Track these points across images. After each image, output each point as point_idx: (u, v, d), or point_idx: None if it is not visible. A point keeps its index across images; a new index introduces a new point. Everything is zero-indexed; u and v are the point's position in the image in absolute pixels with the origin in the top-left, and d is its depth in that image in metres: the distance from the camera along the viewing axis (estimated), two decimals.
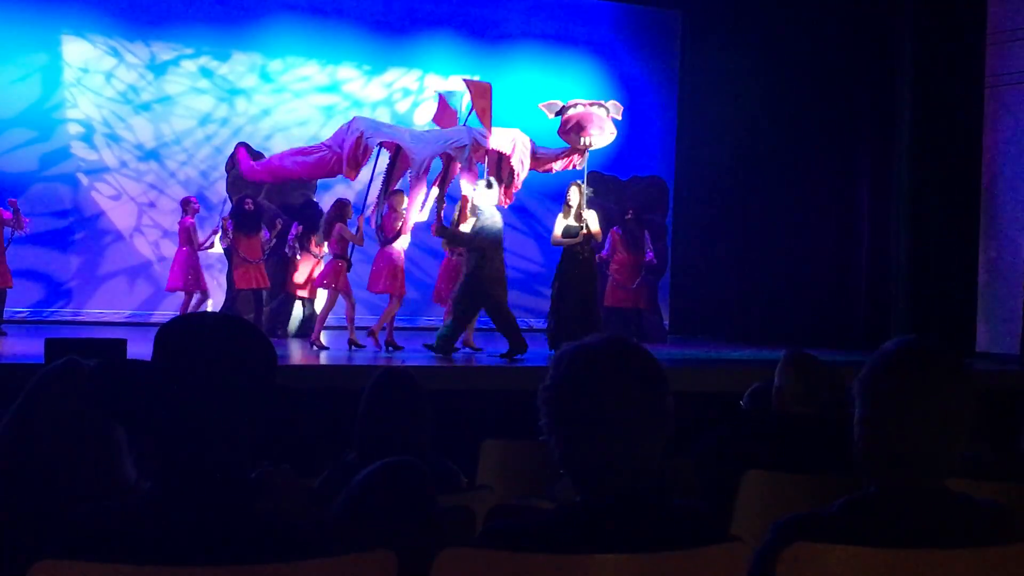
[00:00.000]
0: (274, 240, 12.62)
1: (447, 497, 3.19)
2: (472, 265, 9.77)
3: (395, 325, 10.94)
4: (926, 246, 12.23)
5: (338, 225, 10.65)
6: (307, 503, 2.86)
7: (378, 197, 10.99)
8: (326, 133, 15.05)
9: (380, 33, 15.28)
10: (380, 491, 2.77)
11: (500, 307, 9.85)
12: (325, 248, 11.92)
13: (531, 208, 15.19)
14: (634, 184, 14.62)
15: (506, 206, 10.89)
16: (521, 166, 10.78)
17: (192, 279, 12.05)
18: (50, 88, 13.95)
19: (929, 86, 12.27)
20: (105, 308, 13.95)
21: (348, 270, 10.57)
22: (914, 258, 12.32)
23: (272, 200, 13.17)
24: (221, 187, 13.54)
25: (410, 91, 15.70)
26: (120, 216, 14.21)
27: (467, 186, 10.43)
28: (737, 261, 14.84)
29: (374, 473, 2.83)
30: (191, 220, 12.09)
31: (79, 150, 14.07)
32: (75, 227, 13.98)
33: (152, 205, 14.37)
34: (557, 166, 11.03)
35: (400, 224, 10.64)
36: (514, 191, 10.96)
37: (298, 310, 12.85)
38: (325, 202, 13.80)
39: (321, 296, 11.54)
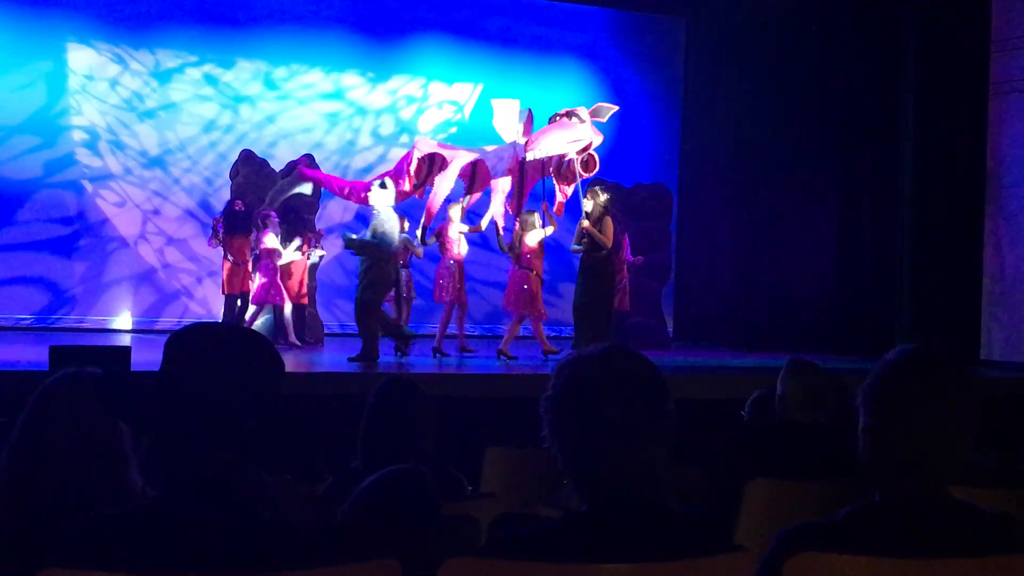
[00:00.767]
0: (308, 249, 12.33)
1: (451, 505, 3.19)
2: (362, 267, 9.82)
3: (446, 333, 11.01)
4: (930, 253, 12.21)
5: (402, 237, 10.79)
6: (310, 512, 2.86)
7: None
8: (330, 140, 15.14)
9: (384, 40, 15.31)
10: (384, 498, 2.78)
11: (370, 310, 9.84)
12: (317, 253, 12.03)
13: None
14: (638, 191, 14.62)
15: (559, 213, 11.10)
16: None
17: (274, 294, 11.73)
18: (55, 95, 13.99)
19: (933, 93, 12.26)
20: (109, 315, 13.97)
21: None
22: (918, 265, 12.31)
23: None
24: (225, 194, 13.57)
25: (414, 98, 15.72)
26: (124, 223, 14.23)
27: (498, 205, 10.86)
28: (741, 268, 14.83)
29: (378, 481, 2.83)
30: (269, 233, 11.66)
31: (83, 157, 14.10)
32: (79, 234, 14.00)
33: (156, 212, 14.39)
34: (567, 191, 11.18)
35: (522, 244, 10.70)
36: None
37: (270, 316, 12.13)
38: (329, 209, 13.87)
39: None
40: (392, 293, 11.03)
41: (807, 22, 13.74)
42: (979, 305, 12.21)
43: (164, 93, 14.51)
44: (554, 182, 11.06)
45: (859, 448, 2.36)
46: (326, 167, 13.43)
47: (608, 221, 10.51)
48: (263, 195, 12.55)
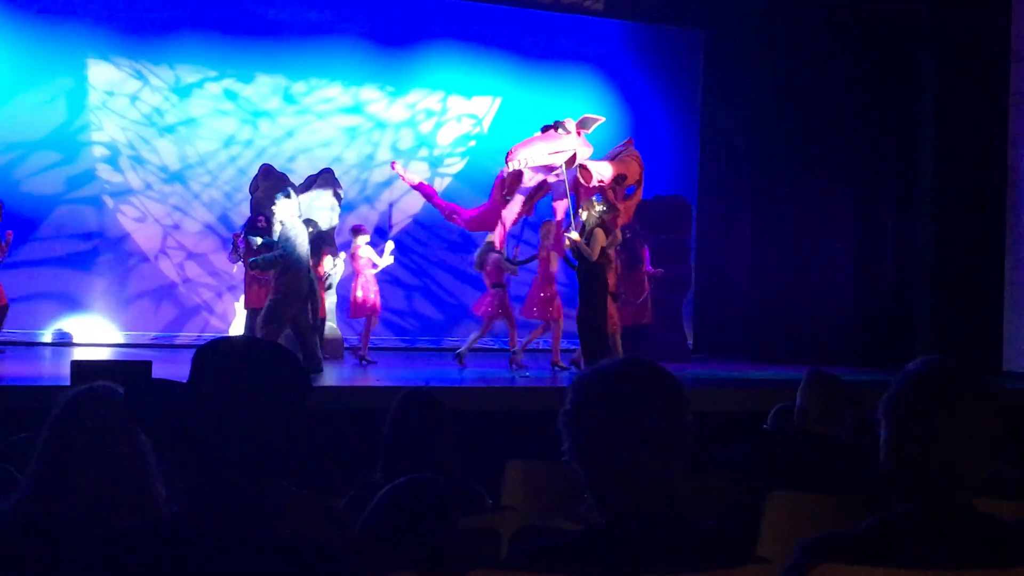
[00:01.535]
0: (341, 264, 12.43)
1: (472, 518, 3.20)
2: (275, 281, 9.75)
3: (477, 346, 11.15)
4: (950, 264, 12.17)
5: (493, 256, 10.78)
6: (330, 525, 2.87)
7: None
8: (349, 155, 15.17)
9: (402, 54, 15.34)
10: (401, 509, 2.78)
11: (297, 325, 9.74)
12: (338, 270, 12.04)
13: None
14: (656, 203, 14.61)
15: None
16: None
17: (371, 304, 11.91)
18: (75, 111, 14.06)
19: (953, 104, 12.23)
20: (130, 330, 14.02)
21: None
22: (938, 276, 12.27)
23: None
24: (245, 209, 13.59)
25: (433, 112, 15.75)
26: (145, 238, 14.28)
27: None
28: (760, 280, 14.79)
29: (394, 491, 2.84)
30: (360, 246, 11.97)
31: (104, 172, 14.17)
32: (100, 249, 14.05)
33: (177, 227, 14.44)
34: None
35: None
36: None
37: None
38: (344, 223, 13.87)
39: None
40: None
41: (825, 34, 13.73)
42: (1001, 315, 12.15)
43: (184, 108, 14.57)
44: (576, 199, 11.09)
45: (880, 459, 2.36)
46: (345, 181, 13.44)
47: (598, 233, 10.19)
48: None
